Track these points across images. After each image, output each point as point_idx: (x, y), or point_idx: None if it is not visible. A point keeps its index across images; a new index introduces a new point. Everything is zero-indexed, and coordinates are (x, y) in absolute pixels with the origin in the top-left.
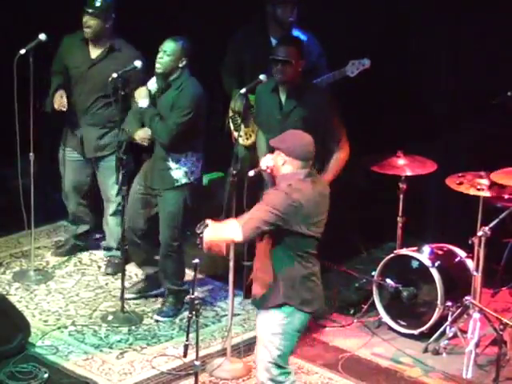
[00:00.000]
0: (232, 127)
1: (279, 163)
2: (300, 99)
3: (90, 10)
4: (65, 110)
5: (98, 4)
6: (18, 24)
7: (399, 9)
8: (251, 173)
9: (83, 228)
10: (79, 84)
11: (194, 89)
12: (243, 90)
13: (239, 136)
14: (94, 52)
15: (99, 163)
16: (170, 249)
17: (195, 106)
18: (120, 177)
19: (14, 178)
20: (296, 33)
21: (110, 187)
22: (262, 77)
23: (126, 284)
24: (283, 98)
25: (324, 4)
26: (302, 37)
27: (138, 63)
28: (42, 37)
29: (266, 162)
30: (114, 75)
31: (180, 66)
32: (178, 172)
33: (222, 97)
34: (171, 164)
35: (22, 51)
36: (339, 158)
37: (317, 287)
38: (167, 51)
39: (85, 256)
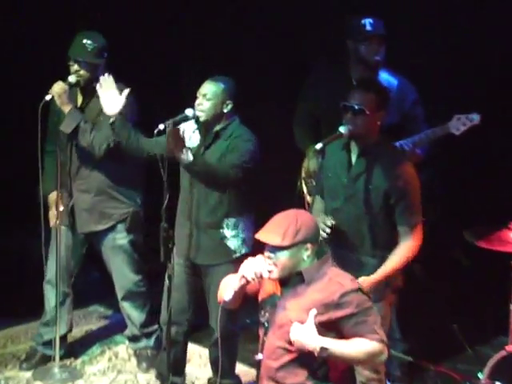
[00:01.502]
0: (305, 190)
1: (302, 257)
2: (374, 161)
3: (79, 59)
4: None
5: (88, 49)
6: (42, 66)
7: None
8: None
9: (61, 330)
10: (69, 141)
11: (248, 136)
12: (319, 146)
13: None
14: (85, 102)
15: (101, 240)
16: (226, 338)
17: (253, 159)
18: (163, 251)
19: (36, 249)
20: (384, 75)
21: (121, 274)
22: (342, 129)
23: None
24: (354, 157)
25: (421, 41)
26: (392, 80)
27: (189, 112)
28: (72, 79)
29: (260, 268)
30: (161, 126)
31: (225, 110)
32: (236, 241)
33: (293, 153)
34: (227, 231)
35: (48, 97)
36: (406, 248)
37: None
38: (207, 95)
39: (122, 349)
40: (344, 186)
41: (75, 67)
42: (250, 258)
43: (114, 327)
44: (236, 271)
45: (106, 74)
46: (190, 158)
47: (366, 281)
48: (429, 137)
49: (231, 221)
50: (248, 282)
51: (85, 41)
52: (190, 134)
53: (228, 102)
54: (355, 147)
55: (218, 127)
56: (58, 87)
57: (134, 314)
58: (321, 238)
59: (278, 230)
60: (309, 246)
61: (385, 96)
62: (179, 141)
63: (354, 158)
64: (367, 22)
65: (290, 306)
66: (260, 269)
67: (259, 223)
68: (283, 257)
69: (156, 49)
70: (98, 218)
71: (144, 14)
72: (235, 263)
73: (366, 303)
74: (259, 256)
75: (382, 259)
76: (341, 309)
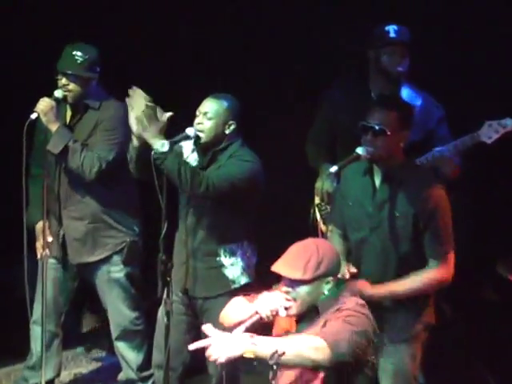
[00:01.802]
0: (319, 217)
1: (323, 291)
2: (399, 185)
3: (67, 71)
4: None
5: (78, 61)
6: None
7: None
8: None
9: (47, 375)
10: (57, 163)
11: (249, 157)
12: (334, 168)
13: (329, 231)
14: (75, 119)
15: (94, 272)
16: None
17: (251, 179)
18: (161, 285)
19: (19, 285)
20: (406, 91)
21: (116, 311)
22: (360, 151)
23: None
24: (377, 182)
25: (446, 51)
26: (415, 96)
27: (190, 131)
28: (58, 94)
29: (277, 305)
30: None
31: (227, 132)
32: (235, 269)
33: (305, 175)
34: (224, 259)
35: (34, 115)
36: (433, 273)
37: None
38: (208, 113)
39: None
40: (369, 216)
41: (63, 81)
42: (265, 293)
43: (107, 370)
44: None
45: (134, 87)
46: (166, 147)
47: (367, 287)
48: (457, 148)
49: (229, 247)
50: (261, 320)
51: (74, 52)
52: (188, 154)
53: (231, 122)
54: (378, 171)
55: (216, 148)
56: (44, 104)
57: (129, 355)
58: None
59: (299, 263)
60: (330, 279)
61: (408, 114)
62: (160, 124)
63: (377, 184)
64: (391, 29)
65: None
66: (277, 306)
67: (268, 253)
68: (303, 292)
69: (154, 62)
70: (91, 248)
71: (143, 23)
72: (234, 295)
73: (353, 320)
74: (276, 291)
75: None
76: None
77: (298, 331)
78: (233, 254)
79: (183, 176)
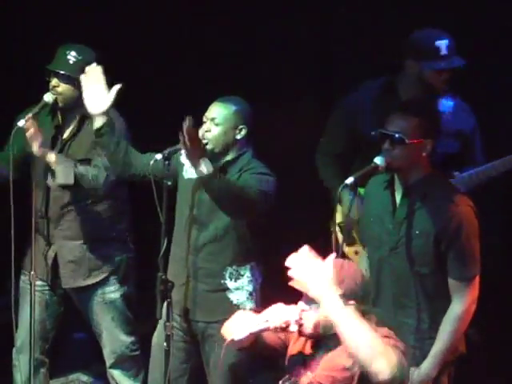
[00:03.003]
0: (341, 238)
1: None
2: (421, 201)
3: (61, 72)
4: None
5: (71, 61)
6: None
7: None
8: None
9: None
10: (47, 178)
11: (263, 170)
12: (350, 180)
13: (355, 253)
14: (67, 128)
15: (87, 296)
16: None
17: (271, 196)
18: (159, 307)
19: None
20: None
21: (111, 336)
22: (378, 160)
23: None
24: (398, 196)
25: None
26: (447, 102)
27: None
28: (48, 98)
29: (290, 318)
30: (158, 156)
31: (238, 137)
32: (240, 294)
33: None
34: (229, 282)
35: (21, 123)
36: (459, 312)
37: None
38: (216, 119)
39: None
40: (388, 233)
41: (53, 82)
42: (280, 304)
43: None
44: None
45: (94, 64)
46: (210, 168)
47: (420, 375)
48: (496, 169)
49: (235, 270)
50: (269, 329)
51: (67, 52)
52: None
53: (241, 126)
54: (399, 184)
55: (225, 159)
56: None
57: (126, 383)
58: None
59: None
60: (351, 302)
61: (431, 121)
62: (197, 144)
63: (398, 199)
64: (443, 45)
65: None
66: (289, 319)
67: (277, 276)
68: (319, 311)
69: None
70: (87, 271)
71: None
72: None
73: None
74: (292, 306)
75: (431, 326)
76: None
77: (312, 357)
78: (239, 276)
79: (233, 197)
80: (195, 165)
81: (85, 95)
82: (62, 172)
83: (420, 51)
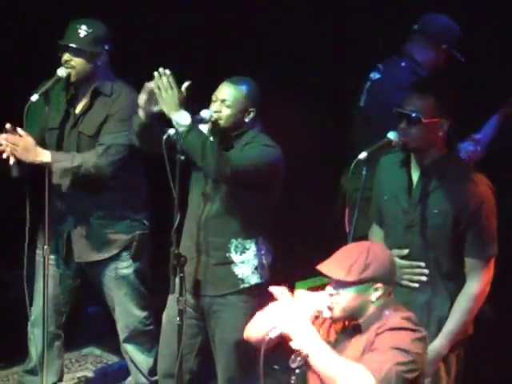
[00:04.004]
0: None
1: (369, 298)
2: (439, 180)
3: (72, 45)
4: None
5: (81, 34)
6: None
7: None
8: None
9: (49, 380)
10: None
11: (270, 143)
12: (363, 155)
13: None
14: (79, 102)
15: (101, 270)
16: None
17: (275, 167)
18: (173, 281)
19: (17, 284)
20: None
21: (124, 310)
22: (392, 136)
23: None
24: (415, 176)
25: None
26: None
27: (205, 113)
28: (61, 73)
29: (321, 305)
30: (172, 131)
31: (246, 120)
32: (245, 268)
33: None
34: (234, 255)
35: (34, 97)
36: (474, 292)
37: None
38: (227, 101)
39: None
40: (404, 212)
41: (65, 56)
42: (308, 293)
43: (115, 374)
44: (247, 308)
45: (161, 69)
46: (187, 120)
47: (431, 353)
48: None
49: (241, 243)
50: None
51: (78, 26)
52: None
53: (250, 109)
54: (416, 164)
55: (232, 134)
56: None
57: (139, 358)
58: None
59: (344, 263)
60: (379, 285)
61: (448, 100)
62: (179, 94)
63: (415, 178)
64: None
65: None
66: (321, 306)
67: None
68: (347, 295)
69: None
70: (100, 246)
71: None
72: (242, 295)
73: (402, 344)
74: (320, 292)
75: (445, 305)
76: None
77: (337, 343)
78: (244, 250)
79: (208, 153)
80: (172, 115)
81: (159, 99)
82: (58, 172)
83: (450, 36)
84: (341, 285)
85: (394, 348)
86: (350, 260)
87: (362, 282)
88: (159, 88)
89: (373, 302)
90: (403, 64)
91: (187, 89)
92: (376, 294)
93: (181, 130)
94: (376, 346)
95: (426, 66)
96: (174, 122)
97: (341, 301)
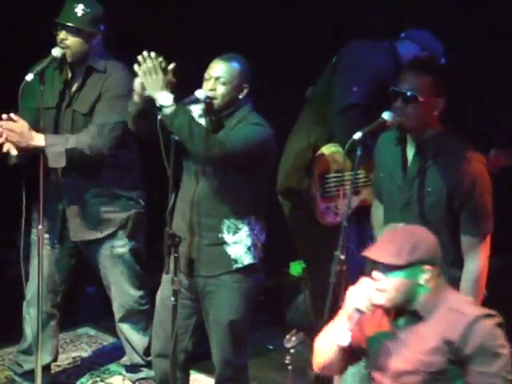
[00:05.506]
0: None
1: (418, 281)
2: (434, 158)
3: (69, 24)
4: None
5: (79, 14)
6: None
7: None
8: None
9: (44, 359)
10: (56, 132)
11: (261, 122)
12: (358, 135)
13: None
14: (75, 82)
15: (96, 249)
16: (234, 371)
17: (266, 146)
18: (167, 261)
19: (13, 264)
20: None
21: (119, 289)
22: (386, 116)
23: None
24: (410, 154)
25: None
26: None
27: (199, 93)
28: (56, 52)
29: (371, 293)
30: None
31: (240, 96)
32: (238, 248)
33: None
34: (227, 236)
35: (29, 77)
36: (473, 276)
37: None
38: (221, 78)
39: (117, 380)
40: (400, 190)
41: (61, 35)
42: (353, 286)
43: (110, 354)
44: (241, 288)
45: (145, 52)
46: (169, 101)
47: None
48: None
49: (233, 223)
50: (363, 314)
51: (75, 5)
52: (196, 119)
53: (245, 85)
54: (411, 142)
55: (224, 113)
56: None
57: (134, 337)
58: None
59: (392, 247)
60: (427, 267)
61: (445, 79)
62: (167, 77)
63: (410, 155)
64: None
65: (406, 350)
66: (371, 294)
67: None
68: (396, 279)
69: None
70: (95, 224)
71: None
72: (235, 275)
73: (496, 335)
74: (365, 279)
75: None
76: (467, 343)
77: (394, 331)
78: (237, 230)
79: (196, 135)
80: (154, 97)
81: (144, 82)
82: (52, 155)
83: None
84: (389, 270)
85: (489, 339)
86: (397, 244)
87: (412, 265)
88: (144, 72)
89: (421, 285)
90: None
91: (172, 70)
92: (424, 276)
93: (167, 112)
94: (474, 343)
95: None
96: (157, 104)
97: (390, 286)
